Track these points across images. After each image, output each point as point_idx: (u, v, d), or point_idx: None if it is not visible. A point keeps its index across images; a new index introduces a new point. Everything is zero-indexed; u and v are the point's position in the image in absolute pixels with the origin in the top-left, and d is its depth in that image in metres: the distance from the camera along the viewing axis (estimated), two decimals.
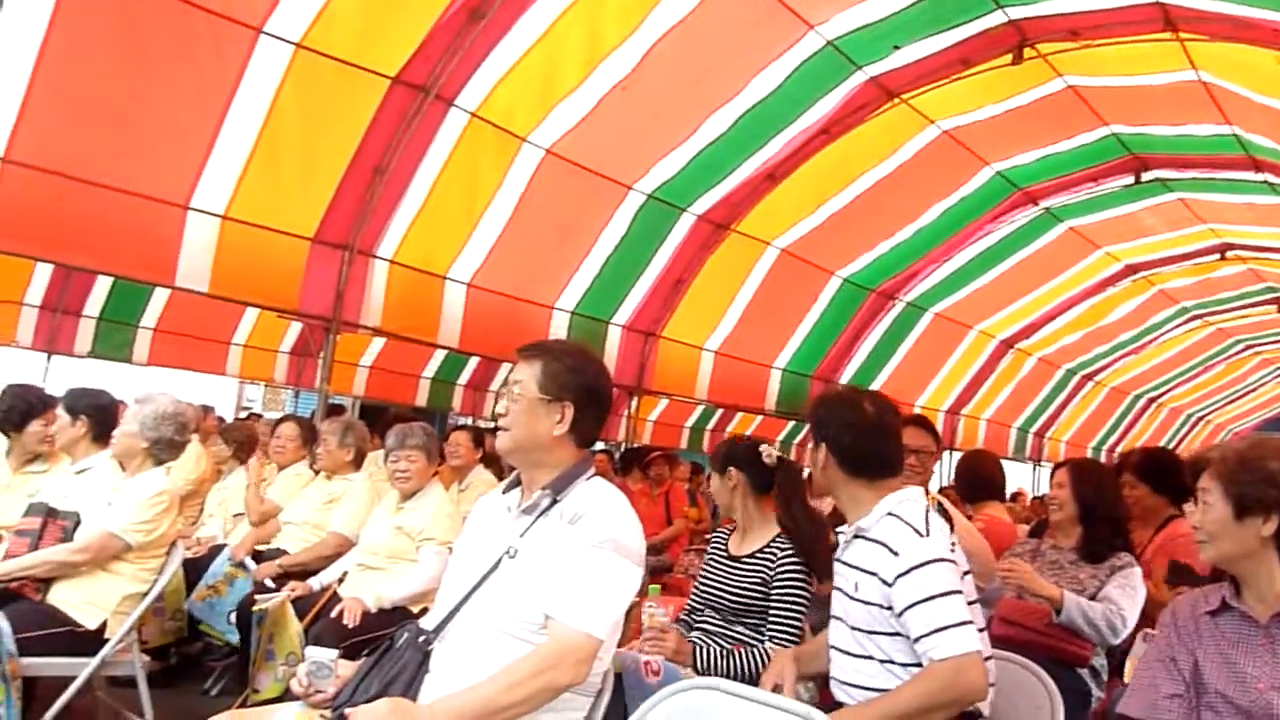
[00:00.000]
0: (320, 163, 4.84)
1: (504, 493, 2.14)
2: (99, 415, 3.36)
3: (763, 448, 3.09)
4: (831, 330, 8.29)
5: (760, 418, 12.06)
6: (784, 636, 2.74)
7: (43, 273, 6.86)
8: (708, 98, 5.51)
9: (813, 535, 2.90)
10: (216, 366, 8.59)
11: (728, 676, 2.62)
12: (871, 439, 2.20)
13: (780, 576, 2.81)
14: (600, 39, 4.91)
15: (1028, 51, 5.40)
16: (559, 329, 6.38)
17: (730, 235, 6.79)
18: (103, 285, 7.24)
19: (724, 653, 2.75)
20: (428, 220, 5.30)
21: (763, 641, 2.77)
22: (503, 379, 9.74)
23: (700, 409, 11.35)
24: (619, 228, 6.17)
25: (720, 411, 11.79)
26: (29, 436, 3.76)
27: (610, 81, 5.11)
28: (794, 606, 2.78)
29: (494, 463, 5.28)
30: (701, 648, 2.78)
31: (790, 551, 2.84)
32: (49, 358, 7.35)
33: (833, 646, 2.21)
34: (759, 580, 2.85)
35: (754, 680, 2.61)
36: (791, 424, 12.34)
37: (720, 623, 2.92)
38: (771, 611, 2.80)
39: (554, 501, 1.99)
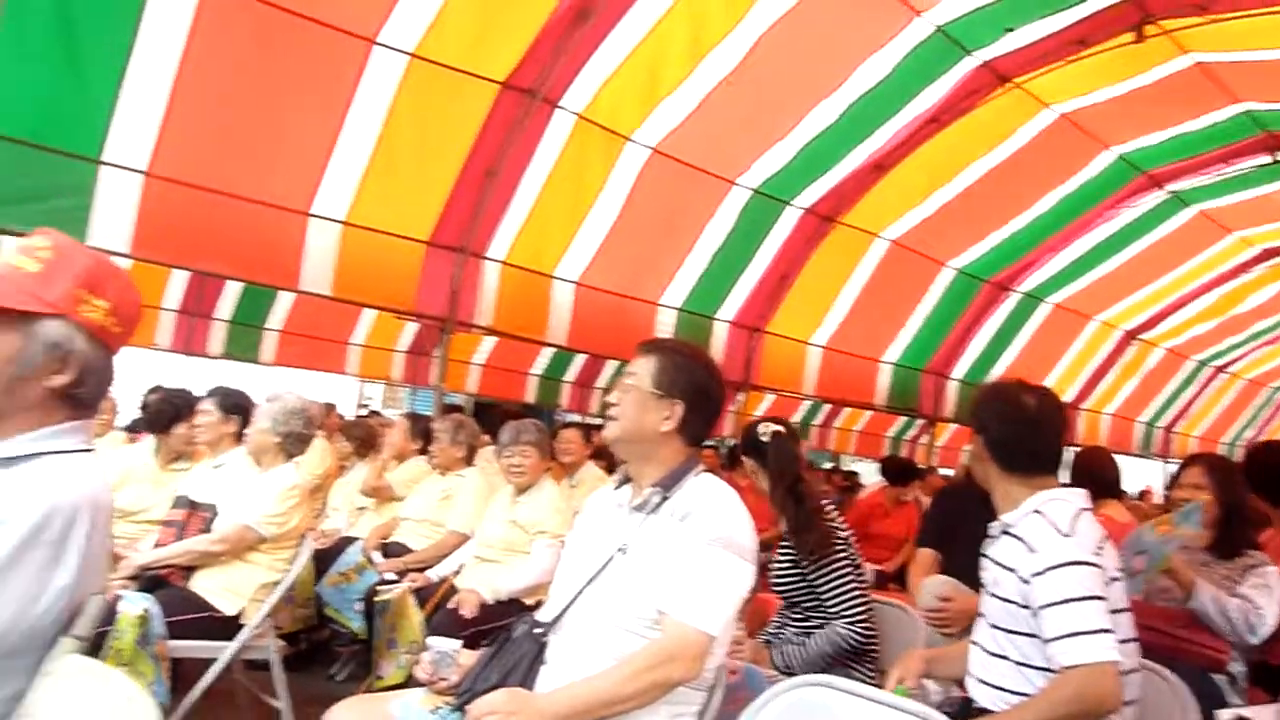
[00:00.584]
0: (434, 168, 4.99)
1: (615, 489, 2.18)
2: (245, 414, 3.57)
3: (760, 427, 3.02)
4: (944, 323, 8.08)
5: (869, 413, 11.88)
6: (849, 613, 2.75)
7: (179, 279, 7.27)
8: (813, 90, 5.44)
9: (794, 515, 2.85)
10: (337, 366, 8.95)
11: (808, 667, 2.67)
12: (1026, 433, 2.14)
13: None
14: (704, 34, 4.91)
15: (1150, 29, 5.13)
16: (665, 326, 6.41)
17: (837, 228, 6.69)
18: (232, 290, 7.64)
19: (797, 643, 2.81)
20: (536, 221, 5.41)
21: (830, 622, 2.79)
22: (609, 376, 9.87)
23: (807, 404, 11.21)
24: (724, 223, 6.16)
25: (828, 407, 11.63)
26: (175, 438, 4.04)
27: (714, 77, 5.10)
28: (835, 583, 2.79)
29: (604, 458, 5.35)
30: (774, 644, 2.81)
31: None
32: (184, 358, 7.79)
33: (973, 642, 2.18)
34: (790, 564, 2.86)
35: (834, 663, 2.66)
36: (903, 419, 12.08)
37: (783, 615, 2.95)
38: (821, 594, 2.81)
39: (664, 498, 2.01)
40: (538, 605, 3.15)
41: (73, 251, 1.40)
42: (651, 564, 1.93)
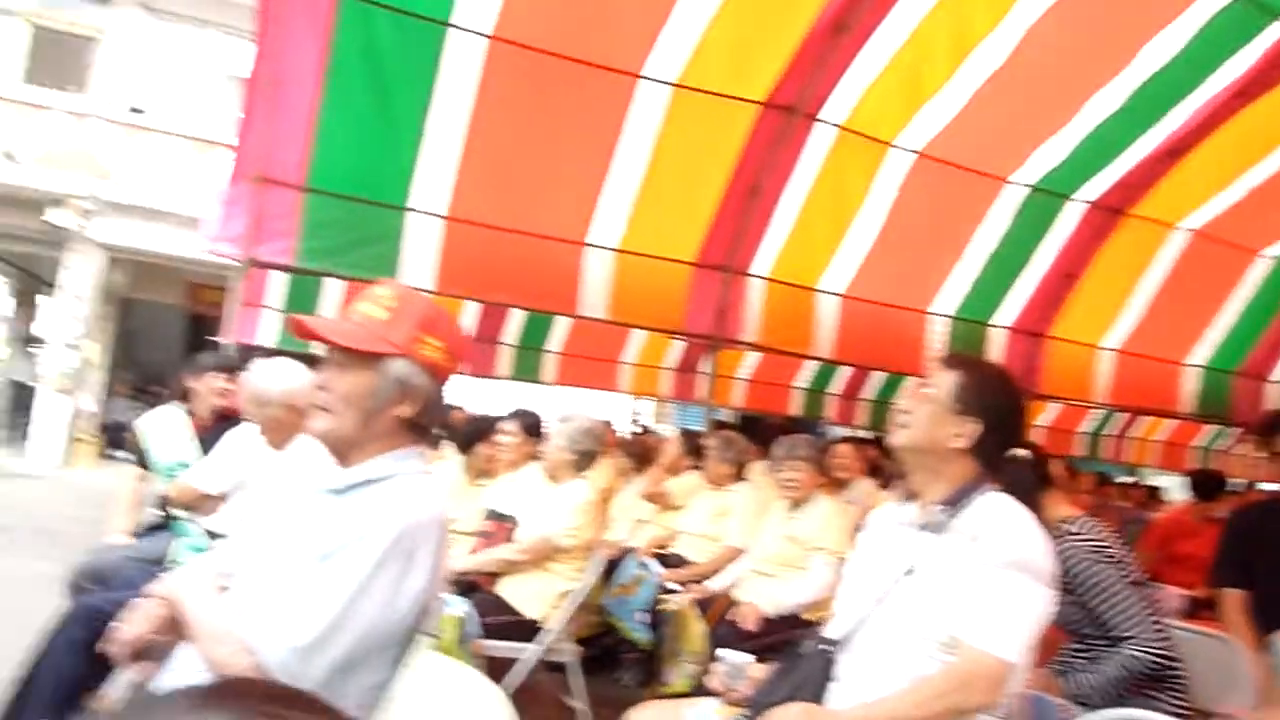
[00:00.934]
0: (699, 191, 5.15)
1: (900, 505, 2.15)
2: (542, 434, 3.89)
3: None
4: (1260, 318, 7.13)
5: (1173, 422, 10.73)
6: (1139, 635, 2.54)
7: (471, 310, 7.96)
8: (1092, 76, 5.03)
9: None
10: (610, 384, 9.40)
11: (1103, 695, 2.52)
12: None
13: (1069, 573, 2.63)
14: (968, 31, 4.70)
15: None
16: (936, 334, 6.18)
17: (1127, 220, 6.12)
18: (515, 317, 8.26)
19: (1087, 670, 2.64)
20: (799, 235, 5.42)
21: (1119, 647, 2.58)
22: (877, 388, 9.64)
23: (1099, 414, 10.32)
24: (998, 224, 5.83)
25: (1122, 416, 10.65)
26: (477, 456, 4.45)
27: (981, 74, 4.86)
28: (1113, 605, 2.60)
29: (878, 473, 5.25)
30: (1064, 673, 2.63)
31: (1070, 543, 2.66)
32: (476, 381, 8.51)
33: None
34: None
35: (1131, 691, 2.52)
36: (1216, 429, 10.81)
37: (1069, 646, 2.79)
38: (1101, 618, 2.62)
39: (951, 518, 1.95)
40: (818, 621, 3.15)
41: (412, 299, 1.61)
42: (942, 587, 1.89)
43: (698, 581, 4.15)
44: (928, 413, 2.00)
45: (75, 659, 2.48)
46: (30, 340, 15.73)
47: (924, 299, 6.14)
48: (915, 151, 5.27)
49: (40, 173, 11.92)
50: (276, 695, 0.51)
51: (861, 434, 8.86)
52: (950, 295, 6.15)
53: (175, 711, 0.47)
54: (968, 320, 6.28)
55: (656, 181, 4.98)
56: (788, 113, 4.89)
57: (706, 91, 4.71)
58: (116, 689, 1.90)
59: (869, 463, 5.44)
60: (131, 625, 1.60)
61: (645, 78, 4.65)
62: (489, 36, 4.28)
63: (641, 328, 6.74)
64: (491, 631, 3.25)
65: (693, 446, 5.21)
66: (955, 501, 1.96)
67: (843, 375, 9.70)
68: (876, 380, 9.51)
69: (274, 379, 3.00)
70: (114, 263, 13.07)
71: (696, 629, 3.83)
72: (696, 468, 5.14)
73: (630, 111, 4.76)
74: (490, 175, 4.82)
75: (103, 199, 12.19)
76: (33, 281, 16.29)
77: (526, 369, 8.68)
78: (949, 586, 1.87)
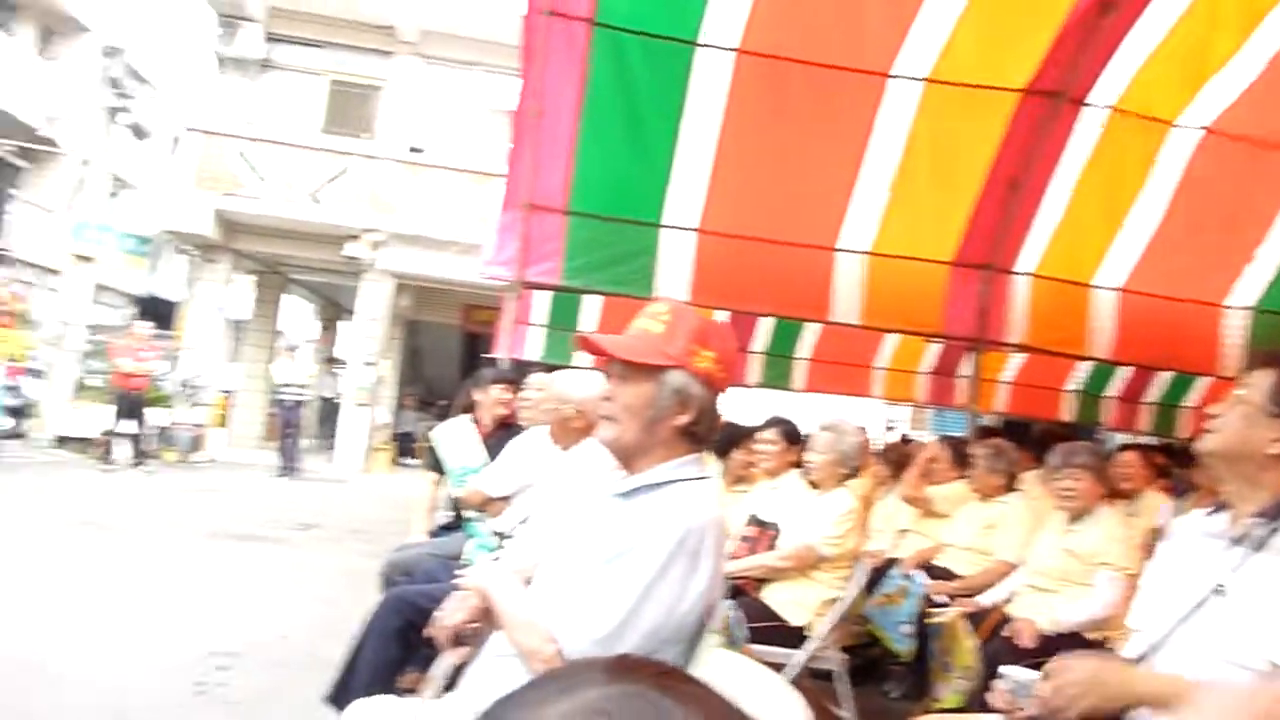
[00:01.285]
0: (955, 188, 4.96)
1: (1207, 516, 1.97)
2: (802, 442, 3.92)
3: None
4: None
5: None
6: None
7: (720, 319, 8.10)
8: None
9: None
10: (862, 389, 9.22)
11: None
12: None
13: None
14: None
15: None
16: (1232, 329, 5.56)
17: None
18: (764, 325, 8.30)
19: None
20: (1069, 227, 5.07)
21: None
22: (1162, 390, 8.79)
23: None
24: None
25: None
26: (733, 462, 4.54)
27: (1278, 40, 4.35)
28: None
29: (1166, 482, 4.80)
30: None
31: None
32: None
33: None
34: None
35: None
36: None
37: None
38: None
39: (1272, 531, 1.77)
40: (1102, 641, 2.94)
41: (685, 313, 1.70)
42: (1260, 608, 1.71)
43: (967, 595, 3.99)
44: (1241, 415, 1.82)
45: (391, 642, 2.78)
46: (333, 360, 17.82)
47: (1218, 291, 5.54)
48: (1203, 128, 4.79)
49: (339, 211, 13.50)
50: (664, 670, 0.58)
51: (1145, 440, 8.11)
52: (1250, 285, 5.51)
53: (590, 680, 0.54)
54: (1272, 312, 5.60)
55: (908, 181, 4.85)
56: (1052, 98, 4.60)
57: (961, 84, 4.54)
58: (435, 669, 2.12)
59: (1156, 471, 4.97)
60: (450, 614, 1.81)
61: (895, 76, 4.55)
62: (736, 50, 4.36)
63: (897, 331, 6.56)
64: (756, 636, 3.30)
65: (958, 454, 5.00)
66: (1275, 514, 1.77)
67: (1122, 376, 8.92)
68: (1162, 381, 8.66)
69: (576, 386, 3.24)
70: (400, 288, 14.50)
71: (967, 644, 3.68)
72: (961, 477, 4.94)
73: (880, 112, 4.67)
74: (740, 187, 4.90)
75: (389, 231, 13.58)
76: (334, 308, 18.45)
77: (776, 376, 8.71)
78: (1269, 608, 1.70)
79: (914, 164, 4.79)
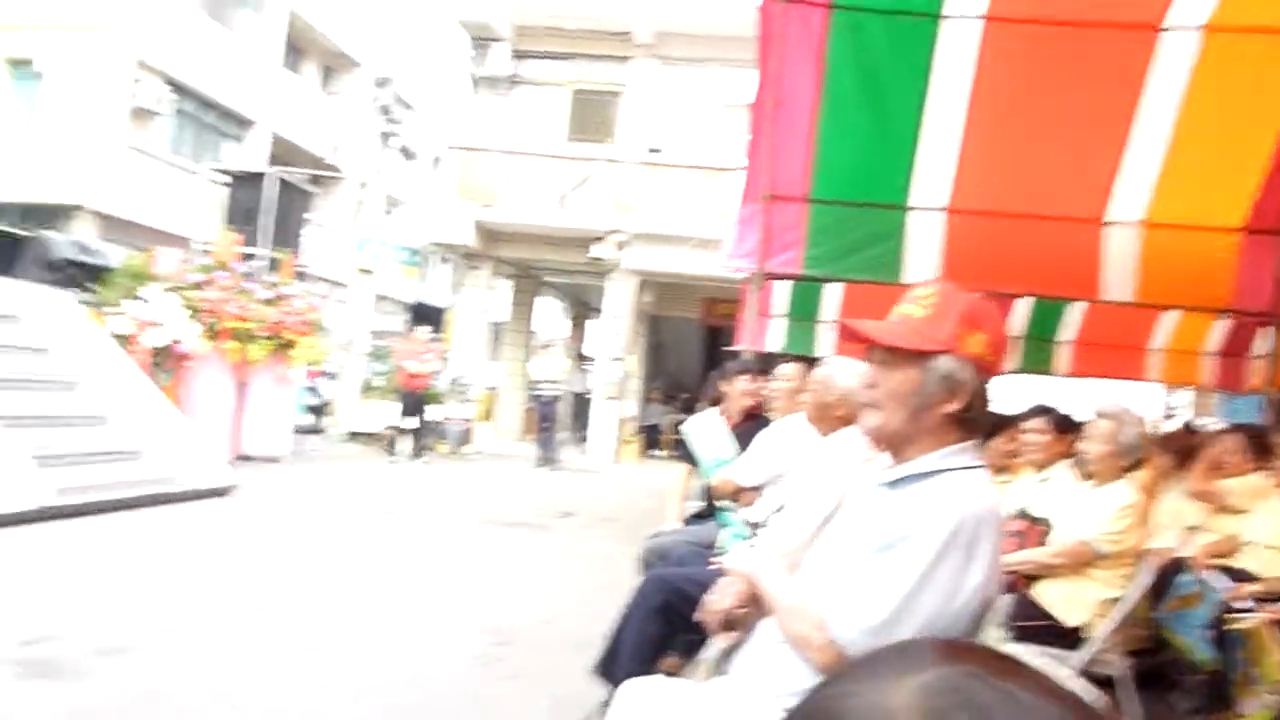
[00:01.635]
0: (1244, 147, 4.45)
1: None
2: (1074, 430, 3.67)
3: None
4: None
5: None
6: None
7: None
8: None
9: None
10: (1135, 373, 8.43)
11: None
12: None
13: None
14: None
15: None
16: None
17: None
18: (1021, 306, 7.79)
19: None
20: None
21: None
22: None
23: None
24: None
25: None
26: (991, 451, 4.30)
27: None
28: None
29: None
30: None
31: None
32: None
33: None
34: None
35: None
36: None
37: None
38: None
39: None
40: None
41: (953, 295, 1.64)
42: None
43: (1273, 599, 3.56)
44: None
45: (653, 619, 2.88)
46: (582, 357, 18.70)
47: None
48: None
49: (585, 215, 14.13)
50: (995, 653, 0.58)
51: None
52: None
53: (922, 661, 0.56)
54: None
55: (1187, 143, 4.41)
56: None
57: (1251, 28, 4.05)
58: (705, 653, 2.19)
59: None
60: (720, 598, 1.86)
61: (1168, 28, 4.14)
62: (984, 18, 4.15)
63: (1178, 308, 5.96)
64: (1025, 635, 3.13)
65: (1257, 443, 4.45)
66: None
67: None
68: None
69: (845, 373, 3.20)
70: (643, 285, 14.95)
71: (1275, 655, 3.30)
72: (1259, 468, 4.39)
73: (1152, 68, 4.28)
74: (993, 162, 4.65)
75: (631, 231, 14.03)
76: (582, 307, 19.35)
77: (1036, 360, 8.15)
78: None
79: (1194, 123, 4.34)
